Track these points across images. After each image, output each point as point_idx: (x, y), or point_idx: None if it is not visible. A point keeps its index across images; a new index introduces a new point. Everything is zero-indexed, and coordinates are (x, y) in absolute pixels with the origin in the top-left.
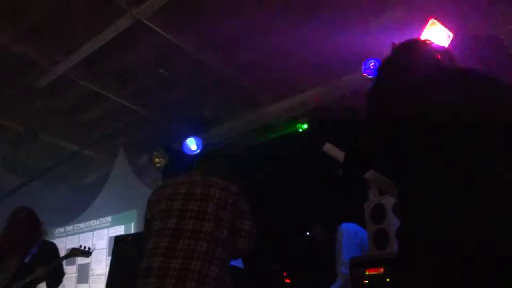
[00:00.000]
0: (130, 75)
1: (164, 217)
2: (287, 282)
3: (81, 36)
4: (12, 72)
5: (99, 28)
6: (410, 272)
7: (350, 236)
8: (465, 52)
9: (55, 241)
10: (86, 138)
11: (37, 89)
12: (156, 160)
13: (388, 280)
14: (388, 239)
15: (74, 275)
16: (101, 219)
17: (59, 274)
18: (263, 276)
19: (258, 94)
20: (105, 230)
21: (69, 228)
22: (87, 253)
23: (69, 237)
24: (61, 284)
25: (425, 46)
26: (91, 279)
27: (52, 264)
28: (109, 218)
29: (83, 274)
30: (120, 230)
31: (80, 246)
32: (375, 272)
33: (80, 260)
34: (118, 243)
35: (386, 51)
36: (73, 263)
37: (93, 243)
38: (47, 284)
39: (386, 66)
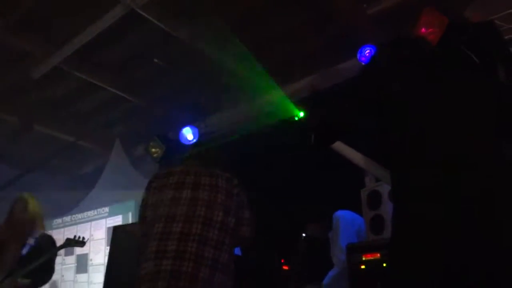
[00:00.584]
0: (125, 65)
1: (172, 205)
2: (285, 269)
3: (74, 27)
4: (5, 63)
5: (93, 18)
6: (403, 257)
7: (347, 223)
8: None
9: (53, 232)
10: (81, 129)
11: (32, 80)
12: (153, 150)
13: (384, 265)
14: (384, 225)
15: (73, 265)
16: (98, 209)
17: (48, 269)
18: (261, 263)
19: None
20: (103, 221)
21: (67, 219)
22: (81, 243)
23: (67, 228)
24: (60, 274)
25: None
26: (90, 269)
27: (42, 258)
28: (106, 209)
29: (82, 264)
30: (118, 220)
31: (75, 236)
32: (371, 258)
33: (79, 250)
34: (117, 233)
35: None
36: (71, 254)
37: (91, 234)
38: (32, 278)
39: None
